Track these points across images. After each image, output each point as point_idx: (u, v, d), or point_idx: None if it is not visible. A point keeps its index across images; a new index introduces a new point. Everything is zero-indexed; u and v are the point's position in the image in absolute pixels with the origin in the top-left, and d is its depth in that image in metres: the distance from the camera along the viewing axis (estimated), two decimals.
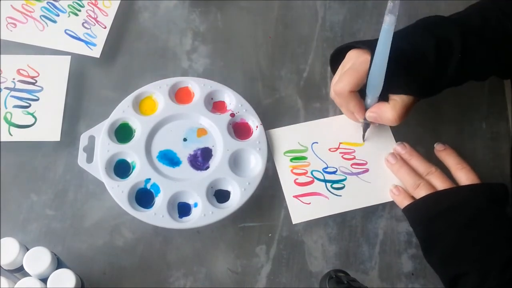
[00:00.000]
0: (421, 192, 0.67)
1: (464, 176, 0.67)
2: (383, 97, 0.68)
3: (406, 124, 0.77)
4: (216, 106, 0.75)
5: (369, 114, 0.69)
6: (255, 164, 0.72)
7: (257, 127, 0.73)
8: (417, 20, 0.71)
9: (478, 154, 0.76)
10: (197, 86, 0.75)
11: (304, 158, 0.73)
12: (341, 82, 0.68)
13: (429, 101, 0.79)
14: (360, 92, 0.69)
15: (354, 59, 0.68)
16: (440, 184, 0.67)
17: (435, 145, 0.72)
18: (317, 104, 0.78)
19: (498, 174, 0.75)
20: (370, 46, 0.65)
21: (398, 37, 0.65)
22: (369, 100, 0.69)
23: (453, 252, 0.63)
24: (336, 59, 0.72)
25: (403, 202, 0.68)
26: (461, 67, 0.67)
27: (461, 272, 0.62)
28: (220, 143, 0.72)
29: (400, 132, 0.75)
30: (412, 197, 0.68)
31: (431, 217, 0.65)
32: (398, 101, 0.67)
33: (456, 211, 0.64)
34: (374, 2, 0.83)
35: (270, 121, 0.75)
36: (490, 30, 0.68)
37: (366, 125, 0.73)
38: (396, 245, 0.71)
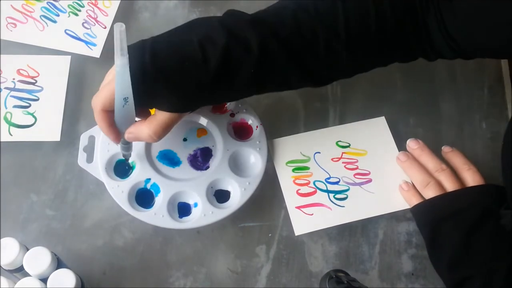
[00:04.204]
0: (430, 192, 0.67)
1: (470, 177, 0.68)
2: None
3: (406, 124, 0.77)
4: (216, 106, 0.75)
5: (127, 135, 0.63)
6: (255, 164, 0.72)
7: (257, 127, 0.73)
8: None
9: (478, 154, 0.76)
10: None
11: (306, 168, 0.73)
12: (96, 96, 0.60)
13: (429, 101, 0.79)
14: None
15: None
16: (449, 184, 0.67)
17: (442, 147, 0.72)
18: (317, 104, 0.78)
19: (498, 174, 0.74)
20: (134, 53, 0.56)
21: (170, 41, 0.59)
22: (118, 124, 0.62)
23: (459, 256, 0.63)
24: None
25: (411, 199, 0.69)
26: (256, 77, 0.60)
27: (466, 275, 0.62)
28: (220, 143, 0.72)
29: (400, 133, 0.75)
30: (421, 195, 0.68)
31: (439, 219, 0.65)
32: (154, 118, 0.61)
33: (463, 214, 0.64)
34: None
35: (270, 121, 0.75)
36: (291, 33, 0.60)
37: (126, 147, 0.66)
38: (396, 245, 0.71)
